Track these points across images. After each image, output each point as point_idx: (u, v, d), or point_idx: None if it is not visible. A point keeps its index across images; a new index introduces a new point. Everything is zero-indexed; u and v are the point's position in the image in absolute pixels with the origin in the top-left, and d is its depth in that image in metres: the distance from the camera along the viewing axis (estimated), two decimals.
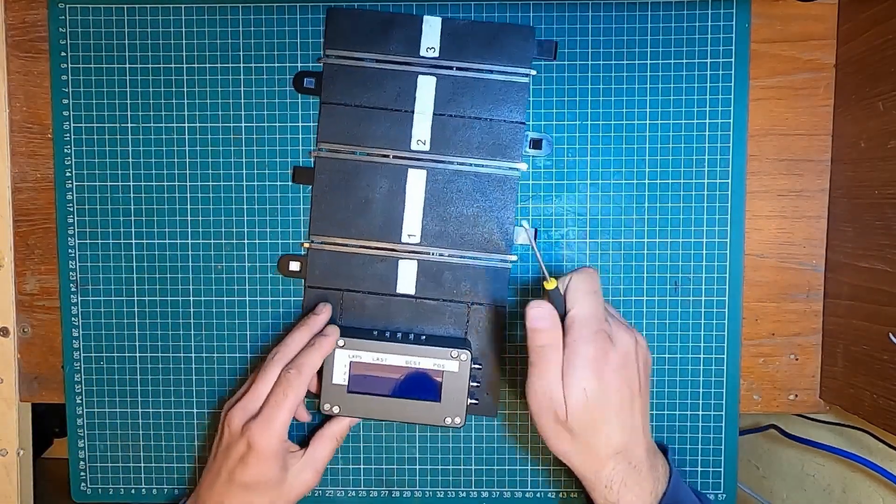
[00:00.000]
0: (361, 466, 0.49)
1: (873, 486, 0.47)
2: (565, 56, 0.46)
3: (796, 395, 0.49)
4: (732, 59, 0.46)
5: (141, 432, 0.49)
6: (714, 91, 0.46)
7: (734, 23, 0.46)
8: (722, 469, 0.48)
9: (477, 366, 0.46)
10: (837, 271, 0.47)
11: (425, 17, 0.46)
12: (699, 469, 0.48)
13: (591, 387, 0.37)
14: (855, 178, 0.45)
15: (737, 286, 0.47)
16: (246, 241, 0.48)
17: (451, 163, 0.46)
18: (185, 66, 0.47)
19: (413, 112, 0.46)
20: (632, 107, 0.46)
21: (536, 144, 0.47)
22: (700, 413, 0.48)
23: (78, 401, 0.49)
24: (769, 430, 0.54)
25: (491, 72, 0.46)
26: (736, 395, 0.47)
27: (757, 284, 0.48)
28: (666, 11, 0.46)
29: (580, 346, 0.38)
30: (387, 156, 0.46)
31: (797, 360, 0.48)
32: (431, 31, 0.46)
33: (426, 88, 0.46)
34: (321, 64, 0.46)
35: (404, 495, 0.49)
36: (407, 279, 0.47)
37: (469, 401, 0.44)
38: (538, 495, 0.49)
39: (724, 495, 0.48)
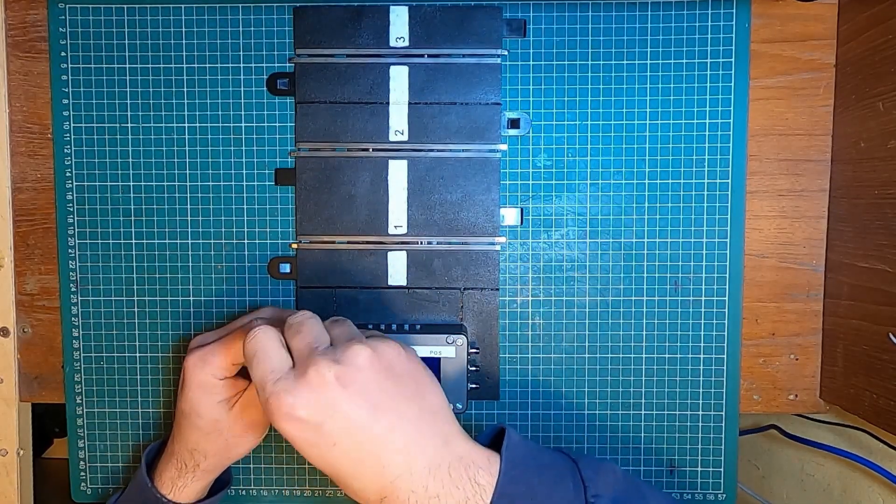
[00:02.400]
0: None
1: (873, 486, 0.47)
2: (565, 56, 0.46)
3: (796, 395, 0.49)
4: (732, 59, 0.46)
5: (141, 432, 0.49)
6: (714, 91, 0.46)
7: (734, 23, 0.46)
8: (722, 469, 0.48)
9: (475, 350, 0.46)
10: (837, 271, 0.47)
11: (392, 7, 0.46)
12: (699, 469, 0.48)
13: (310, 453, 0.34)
14: (855, 178, 0.45)
15: (737, 286, 0.47)
16: (235, 241, 0.47)
17: (431, 150, 0.46)
18: (185, 66, 0.47)
19: (388, 103, 0.46)
20: (632, 107, 0.46)
21: (514, 124, 0.47)
22: (700, 413, 0.48)
23: (78, 401, 0.49)
24: (769, 430, 0.54)
25: (462, 56, 0.46)
26: (736, 395, 0.47)
27: (757, 284, 0.48)
28: (666, 11, 0.46)
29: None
30: (366, 149, 0.46)
31: (797, 360, 0.48)
32: (399, 21, 0.46)
33: (399, 79, 0.46)
34: (293, 64, 0.46)
35: None
36: (398, 271, 0.47)
37: (469, 385, 0.44)
38: None
39: (724, 495, 0.48)
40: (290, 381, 0.34)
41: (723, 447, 0.48)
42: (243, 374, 0.42)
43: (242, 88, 0.47)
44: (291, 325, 0.37)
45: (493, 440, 0.38)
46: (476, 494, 0.33)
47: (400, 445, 0.34)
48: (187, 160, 0.47)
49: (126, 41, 0.47)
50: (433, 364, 0.44)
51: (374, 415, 0.34)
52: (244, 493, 0.49)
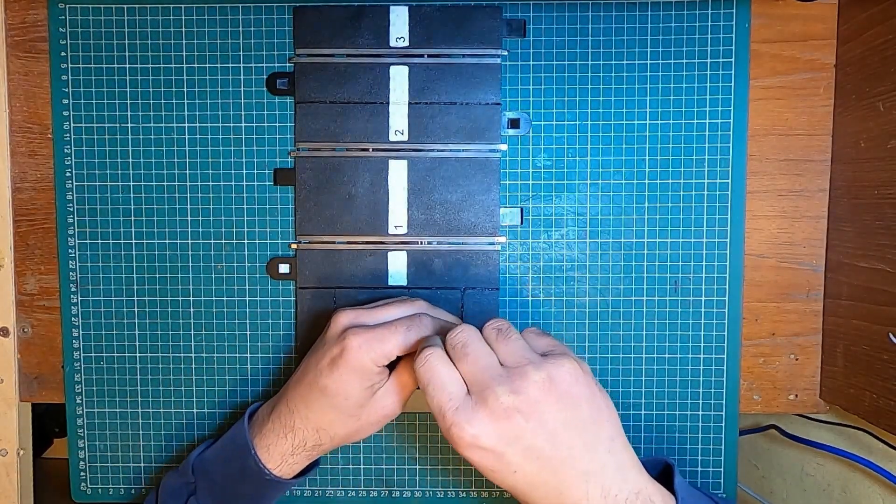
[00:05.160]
0: (361, 466, 0.49)
1: (873, 486, 0.47)
2: (565, 56, 0.46)
3: (796, 395, 0.49)
4: (732, 59, 0.46)
5: (141, 432, 0.49)
6: (714, 91, 0.46)
7: (734, 23, 0.46)
8: (722, 469, 0.48)
9: None
10: (837, 271, 0.47)
11: (392, 7, 0.46)
12: (699, 469, 0.48)
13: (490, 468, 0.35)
14: (855, 178, 0.45)
15: (737, 286, 0.47)
16: (235, 242, 0.47)
17: (431, 150, 0.46)
18: (185, 66, 0.47)
19: (388, 103, 0.46)
20: (632, 107, 0.46)
21: (514, 124, 0.47)
22: (700, 413, 0.48)
23: (78, 401, 0.49)
24: (769, 430, 0.54)
25: (462, 56, 0.46)
26: (736, 395, 0.47)
27: (757, 284, 0.48)
28: (666, 11, 0.46)
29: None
30: (366, 149, 0.46)
31: (797, 360, 0.48)
32: (399, 21, 0.46)
33: (399, 78, 0.46)
34: (292, 63, 0.46)
35: (404, 495, 0.49)
36: (398, 271, 0.47)
37: None
38: None
39: (724, 495, 0.48)
40: (469, 410, 0.34)
41: (723, 447, 0.48)
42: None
43: (242, 88, 0.47)
44: (455, 347, 0.36)
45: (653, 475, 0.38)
46: None
47: (578, 472, 0.34)
48: (187, 160, 0.47)
49: (126, 41, 0.47)
50: None
51: (553, 443, 0.34)
52: None
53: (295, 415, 0.40)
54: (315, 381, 0.40)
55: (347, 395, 0.39)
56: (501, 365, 0.35)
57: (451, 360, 0.36)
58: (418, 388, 0.41)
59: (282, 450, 0.41)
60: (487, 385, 0.34)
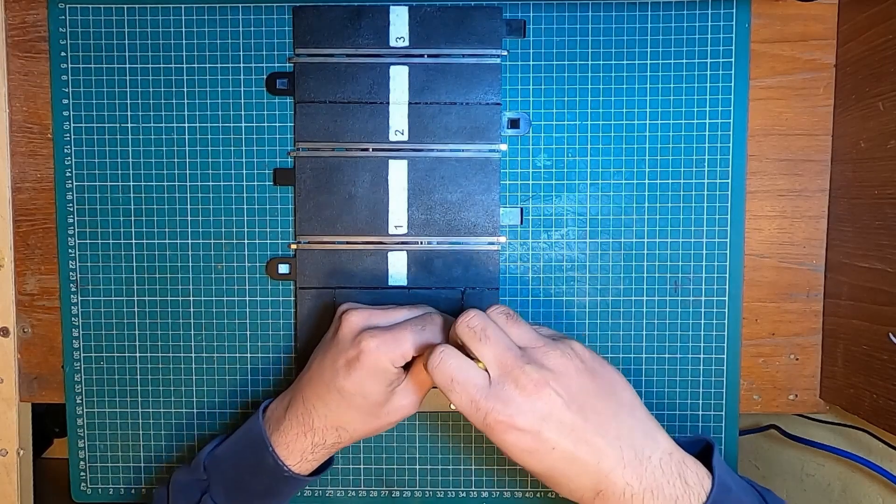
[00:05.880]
0: (361, 466, 0.49)
1: (873, 486, 0.47)
2: (565, 56, 0.46)
3: (796, 395, 0.49)
4: (732, 59, 0.46)
5: (141, 432, 0.49)
6: (714, 91, 0.46)
7: (734, 23, 0.46)
8: None
9: None
10: (837, 271, 0.47)
11: (392, 7, 0.46)
12: None
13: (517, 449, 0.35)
14: (855, 178, 0.45)
15: (737, 286, 0.47)
16: (235, 242, 0.47)
17: (431, 150, 0.46)
18: (185, 66, 0.47)
19: (388, 103, 0.46)
20: (632, 107, 0.46)
21: (514, 124, 0.47)
22: (700, 413, 0.48)
23: (78, 401, 0.49)
24: (769, 430, 0.54)
25: (462, 56, 0.46)
26: (736, 395, 0.47)
27: (757, 284, 0.48)
28: (666, 11, 0.46)
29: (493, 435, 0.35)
30: (366, 149, 0.46)
31: (797, 360, 0.48)
32: (399, 21, 0.46)
33: (399, 78, 0.46)
34: (292, 64, 0.46)
35: (404, 495, 0.49)
36: (398, 271, 0.47)
37: None
38: (538, 495, 0.49)
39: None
40: (500, 393, 0.34)
41: (723, 447, 0.48)
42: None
43: (242, 88, 0.47)
44: (475, 329, 0.36)
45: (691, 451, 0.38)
46: (685, 494, 0.34)
47: (610, 439, 0.35)
48: (187, 160, 0.47)
49: (126, 41, 0.47)
50: None
51: (584, 415, 0.35)
52: None
53: (313, 414, 0.40)
54: (332, 382, 0.39)
55: (366, 395, 0.39)
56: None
57: (468, 346, 0.36)
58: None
59: (301, 448, 0.40)
60: (514, 365, 0.35)
